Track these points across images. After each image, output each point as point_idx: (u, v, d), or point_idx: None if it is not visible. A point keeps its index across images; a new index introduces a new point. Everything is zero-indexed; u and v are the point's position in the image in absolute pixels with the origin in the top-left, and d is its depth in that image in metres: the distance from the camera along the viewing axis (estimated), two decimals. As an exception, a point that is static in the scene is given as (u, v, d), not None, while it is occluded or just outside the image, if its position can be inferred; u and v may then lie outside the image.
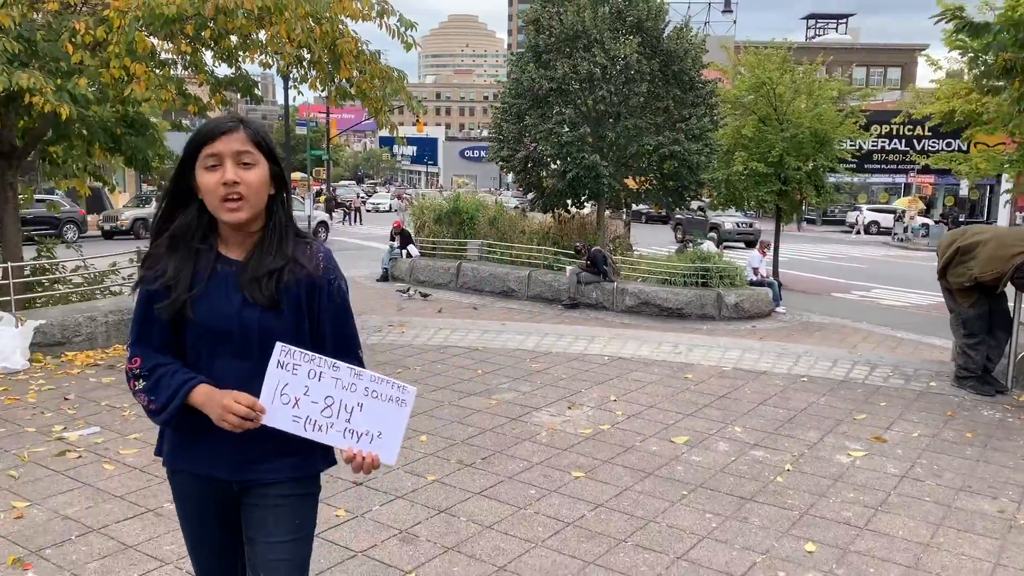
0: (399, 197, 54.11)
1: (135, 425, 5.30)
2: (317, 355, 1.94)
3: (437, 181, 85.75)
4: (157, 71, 8.00)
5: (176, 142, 10.65)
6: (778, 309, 13.54)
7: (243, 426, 1.89)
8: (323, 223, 31.83)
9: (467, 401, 6.04)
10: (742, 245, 27.88)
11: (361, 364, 2.06)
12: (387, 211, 47.10)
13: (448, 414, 5.70)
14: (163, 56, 8.47)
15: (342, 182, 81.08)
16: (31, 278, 8.72)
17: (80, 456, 4.76)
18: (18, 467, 4.55)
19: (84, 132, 8.93)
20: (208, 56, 9.28)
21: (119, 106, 8.73)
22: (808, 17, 59.24)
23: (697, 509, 4.24)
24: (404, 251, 18.63)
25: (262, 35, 8.07)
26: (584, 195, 21.34)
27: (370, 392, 1.96)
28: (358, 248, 28.07)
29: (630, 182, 23.34)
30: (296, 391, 1.94)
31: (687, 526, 4.03)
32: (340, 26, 8.32)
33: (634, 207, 36.99)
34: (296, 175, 56.85)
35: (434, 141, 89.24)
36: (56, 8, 7.64)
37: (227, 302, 1.97)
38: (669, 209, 27.15)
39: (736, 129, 18.93)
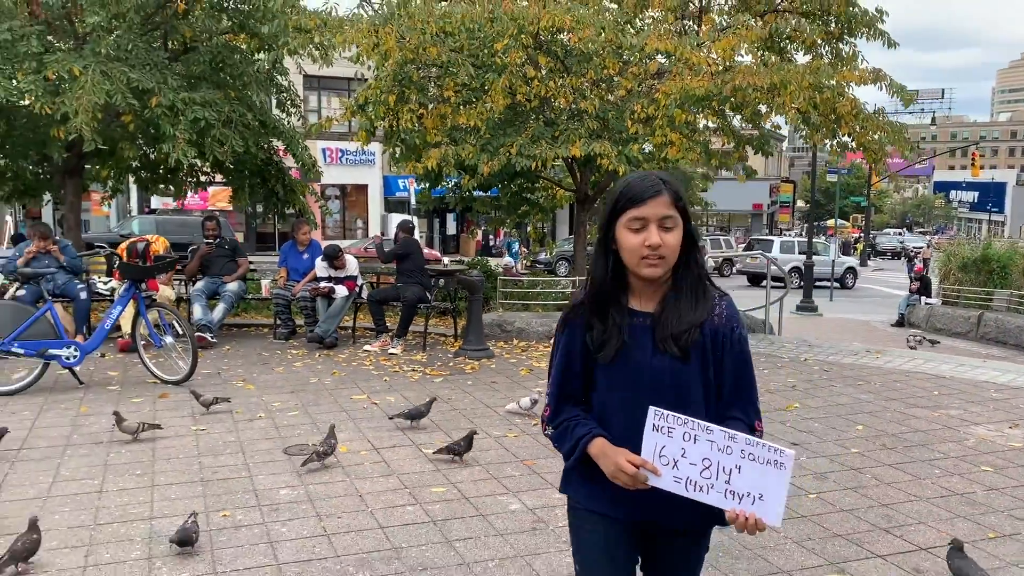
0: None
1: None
2: (690, 419, 1.98)
3: (1002, 230, 76.89)
4: (690, 136, 10.34)
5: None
6: None
7: (635, 485, 2.00)
8: (851, 268, 32.13)
9: (912, 411, 6.94)
10: None
11: (757, 412, 2.14)
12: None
13: (889, 416, 6.73)
14: (697, 125, 10.83)
15: (886, 230, 78.03)
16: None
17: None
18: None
19: (635, 184, 11.81)
20: (736, 120, 11.53)
21: (661, 163, 11.36)
22: None
23: (1091, 508, 4.77)
24: (922, 297, 18.52)
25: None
26: None
27: (746, 455, 1.95)
28: (884, 296, 27.84)
29: None
30: (674, 453, 1.98)
31: (1071, 515, 4.64)
32: (846, 90, 9.74)
33: None
34: (828, 222, 57.04)
35: (1001, 186, 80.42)
36: (624, 95, 10.44)
37: (640, 352, 2.08)
38: None
39: None
